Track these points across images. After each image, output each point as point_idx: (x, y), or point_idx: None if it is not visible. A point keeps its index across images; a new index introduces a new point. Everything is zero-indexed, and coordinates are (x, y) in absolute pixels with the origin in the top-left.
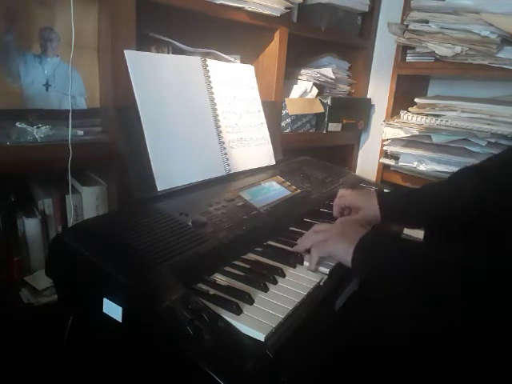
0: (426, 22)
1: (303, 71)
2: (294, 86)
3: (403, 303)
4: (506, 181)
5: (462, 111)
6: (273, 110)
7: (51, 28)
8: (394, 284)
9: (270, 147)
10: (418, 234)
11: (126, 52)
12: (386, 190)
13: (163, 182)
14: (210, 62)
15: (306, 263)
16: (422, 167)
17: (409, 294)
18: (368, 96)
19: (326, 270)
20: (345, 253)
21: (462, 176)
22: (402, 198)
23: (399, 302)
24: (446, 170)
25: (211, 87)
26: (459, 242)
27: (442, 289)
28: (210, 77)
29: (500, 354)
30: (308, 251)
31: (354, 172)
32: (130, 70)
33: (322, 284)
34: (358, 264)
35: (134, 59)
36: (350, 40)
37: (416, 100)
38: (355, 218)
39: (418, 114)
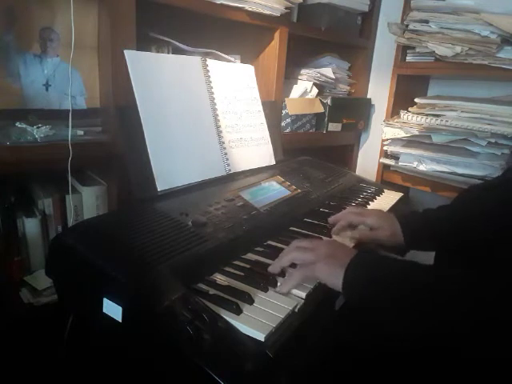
0: (426, 21)
1: (303, 71)
2: (294, 86)
3: (396, 325)
4: None
5: (462, 111)
6: (273, 109)
7: (51, 28)
8: (386, 307)
9: (269, 147)
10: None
11: (125, 52)
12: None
13: (163, 181)
14: (210, 62)
15: (278, 284)
16: (422, 167)
17: (402, 317)
18: (368, 96)
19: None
20: (334, 277)
21: (477, 193)
22: (423, 220)
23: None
24: (446, 170)
25: (211, 87)
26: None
27: (439, 311)
28: (210, 77)
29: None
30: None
31: (354, 172)
32: (129, 70)
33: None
34: (348, 288)
35: (134, 59)
36: (350, 40)
37: (416, 100)
38: (379, 237)
39: (418, 114)
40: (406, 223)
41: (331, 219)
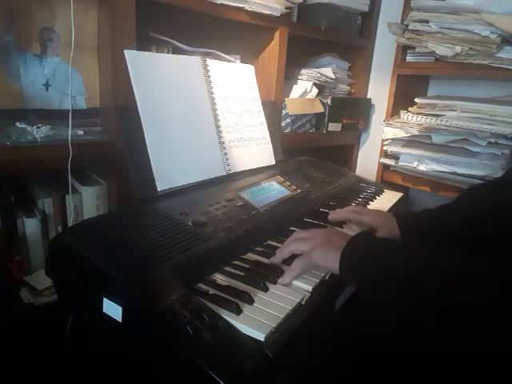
0: (426, 21)
1: (303, 71)
2: (294, 86)
3: (393, 309)
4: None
5: (462, 111)
6: (273, 109)
7: (51, 28)
8: (383, 288)
9: (269, 147)
10: None
11: (125, 52)
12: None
13: (163, 181)
14: (210, 62)
15: (279, 280)
16: (422, 167)
17: (399, 299)
18: (368, 96)
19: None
20: (332, 260)
21: (476, 193)
22: (420, 218)
23: (390, 308)
24: (446, 170)
25: (211, 87)
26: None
27: (437, 291)
28: (210, 77)
29: (500, 358)
30: (286, 261)
31: (354, 172)
32: (129, 70)
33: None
34: (345, 270)
35: (134, 59)
36: (350, 40)
37: (416, 100)
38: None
39: (418, 113)
40: (404, 222)
41: (331, 215)
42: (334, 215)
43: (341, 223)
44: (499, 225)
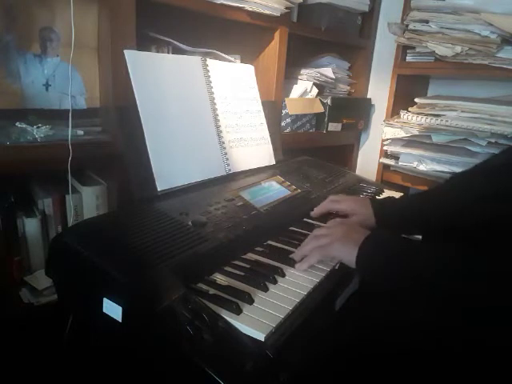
0: (426, 21)
1: (303, 71)
2: (294, 86)
3: (406, 303)
4: (490, 189)
5: (462, 111)
6: (273, 109)
7: (51, 28)
8: (397, 283)
9: (269, 147)
10: None
11: (126, 52)
12: (377, 197)
13: (163, 181)
14: (210, 62)
15: (297, 265)
16: (422, 167)
17: (412, 293)
18: (368, 96)
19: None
20: (349, 254)
21: (452, 183)
22: (396, 205)
23: (402, 303)
24: (446, 170)
25: (211, 87)
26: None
27: (449, 289)
28: (210, 77)
29: (501, 353)
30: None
31: (354, 172)
32: (129, 70)
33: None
34: (362, 263)
35: (134, 59)
36: (350, 40)
37: (416, 100)
38: (354, 221)
39: (418, 113)
40: (379, 209)
41: (314, 211)
42: (317, 210)
43: (326, 217)
44: (496, 215)
